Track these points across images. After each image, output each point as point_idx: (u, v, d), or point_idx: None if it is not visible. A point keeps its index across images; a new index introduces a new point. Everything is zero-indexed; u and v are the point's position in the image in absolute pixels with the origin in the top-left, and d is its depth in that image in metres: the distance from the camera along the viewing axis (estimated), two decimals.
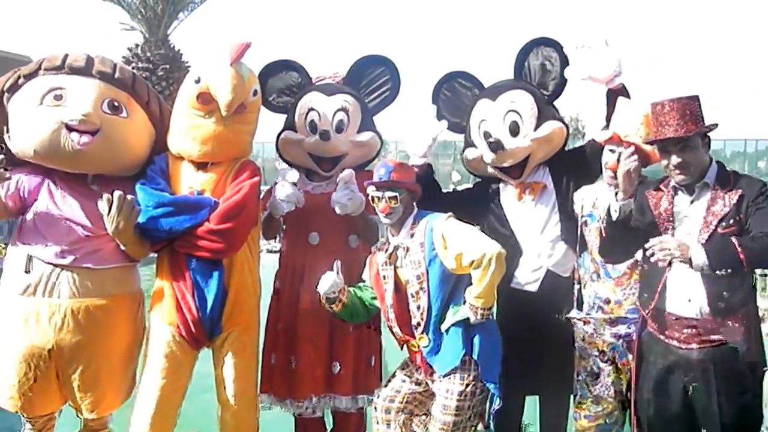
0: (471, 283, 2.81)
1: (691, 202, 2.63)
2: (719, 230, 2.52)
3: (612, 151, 3.00)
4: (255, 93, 3.23)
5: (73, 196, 3.07)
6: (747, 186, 2.54)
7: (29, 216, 3.03)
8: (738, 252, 2.39)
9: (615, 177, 2.95)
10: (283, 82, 3.70)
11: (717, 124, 2.61)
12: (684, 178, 2.60)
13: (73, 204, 3.05)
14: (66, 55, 3.13)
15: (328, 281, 2.98)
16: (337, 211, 3.24)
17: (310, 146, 3.44)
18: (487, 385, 2.84)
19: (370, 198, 3.00)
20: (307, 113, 3.47)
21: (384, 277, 2.97)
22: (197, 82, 3.14)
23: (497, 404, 2.88)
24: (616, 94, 3.13)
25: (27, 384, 3.01)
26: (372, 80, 3.67)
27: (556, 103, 3.46)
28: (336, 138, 3.40)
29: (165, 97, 3.52)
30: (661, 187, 2.72)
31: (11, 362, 3.01)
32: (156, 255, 3.27)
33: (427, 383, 2.98)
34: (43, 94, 3.03)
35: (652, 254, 2.49)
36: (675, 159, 2.59)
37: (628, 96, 3.14)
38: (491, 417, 3.02)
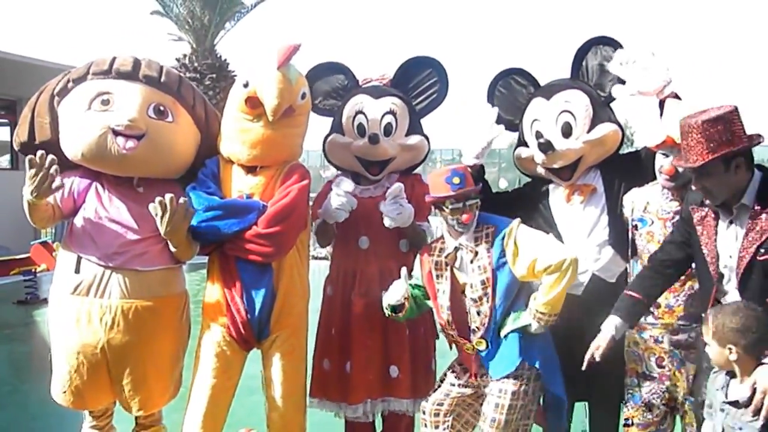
0: (534, 291, 2.76)
1: (730, 223, 2.49)
2: (758, 257, 2.38)
3: (665, 155, 2.92)
4: (303, 96, 3.20)
5: (120, 199, 3.10)
6: None
7: (78, 218, 3.08)
8: None
9: (670, 180, 2.91)
10: (329, 85, 3.66)
11: (757, 139, 2.43)
12: (711, 203, 2.49)
13: (120, 206, 3.09)
14: (114, 59, 3.17)
15: (399, 291, 2.96)
16: (386, 224, 3.19)
17: (359, 150, 3.40)
18: (555, 391, 2.87)
19: (439, 208, 2.89)
20: (355, 116, 3.43)
21: (437, 276, 2.93)
22: (245, 86, 3.14)
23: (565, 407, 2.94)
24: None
25: (79, 380, 3.07)
26: (419, 82, 3.60)
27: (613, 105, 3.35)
28: (385, 141, 3.36)
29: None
30: (706, 202, 2.57)
31: (64, 359, 3.08)
32: (204, 260, 3.30)
33: (475, 385, 2.96)
34: (91, 99, 3.07)
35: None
36: (694, 185, 2.49)
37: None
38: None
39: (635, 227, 3.06)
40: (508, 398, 2.79)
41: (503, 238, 2.81)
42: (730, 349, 2.31)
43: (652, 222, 2.99)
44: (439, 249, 2.95)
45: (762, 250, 2.37)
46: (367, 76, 3.65)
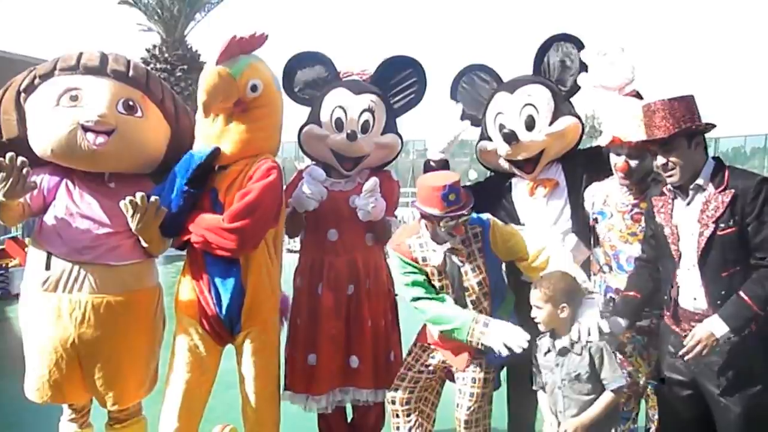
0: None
1: (687, 204, 2.62)
2: (718, 232, 2.51)
3: (618, 154, 3.00)
4: (254, 88, 3.10)
5: (91, 195, 3.09)
6: (741, 184, 2.51)
7: (49, 215, 3.06)
8: (751, 306, 2.45)
9: (625, 177, 3.00)
10: (309, 75, 3.65)
11: (711, 124, 2.58)
12: (674, 180, 2.60)
13: (92, 202, 3.08)
14: (80, 55, 3.15)
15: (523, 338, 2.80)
16: (360, 217, 3.25)
17: (335, 144, 3.42)
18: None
19: (430, 219, 2.90)
20: (334, 110, 3.44)
21: (431, 272, 2.99)
22: None
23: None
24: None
25: (53, 376, 3.05)
26: (399, 81, 3.63)
27: (573, 100, 3.43)
28: (361, 139, 3.39)
29: (184, 98, 3.50)
30: (664, 191, 2.71)
31: (37, 355, 3.06)
32: (180, 253, 3.29)
33: (439, 369, 3.10)
34: (59, 95, 3.04)
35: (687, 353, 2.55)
36: (660, 160, 2.60)
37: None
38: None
39: (595, 220, 3.15)
40: (482, 372, 2.96)
41: (489, 235, 2.92)
42: (563, 308, 2.67)
43: (612, 215, 3.07)
44: (419, 245, 2.99)
45: (722, 225, 2.50)
46: (347, 69, 3.65)
